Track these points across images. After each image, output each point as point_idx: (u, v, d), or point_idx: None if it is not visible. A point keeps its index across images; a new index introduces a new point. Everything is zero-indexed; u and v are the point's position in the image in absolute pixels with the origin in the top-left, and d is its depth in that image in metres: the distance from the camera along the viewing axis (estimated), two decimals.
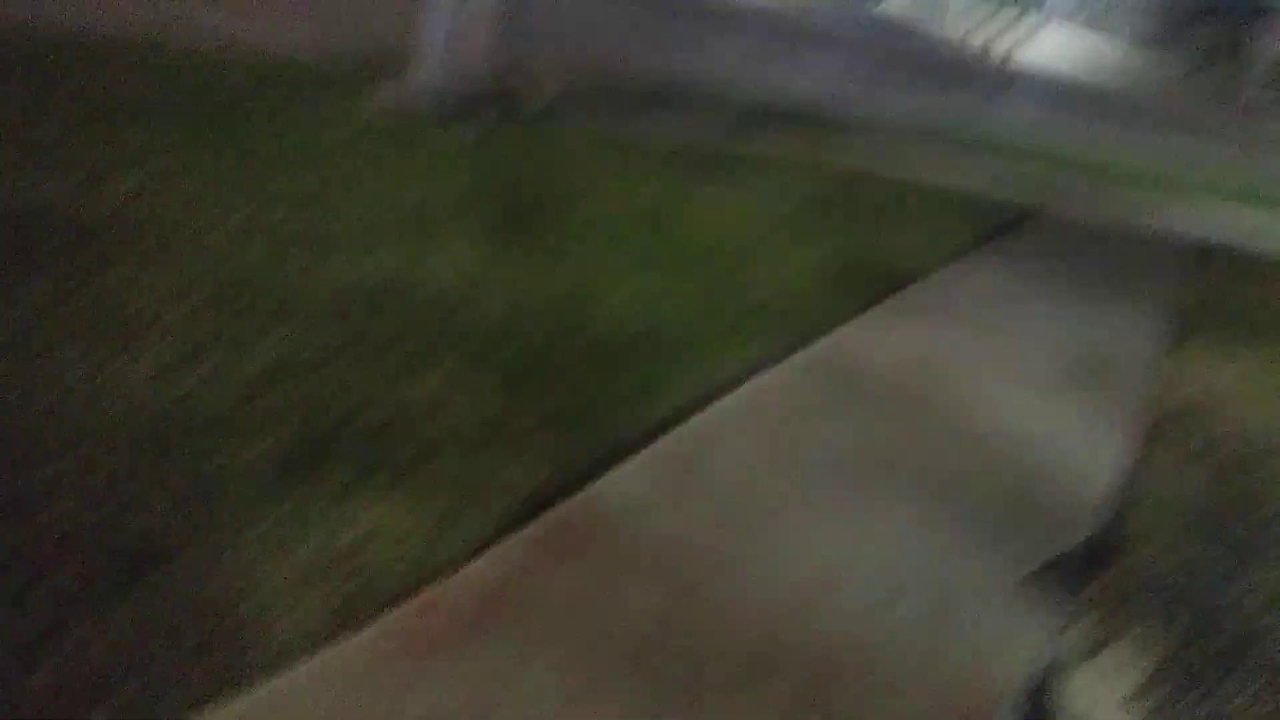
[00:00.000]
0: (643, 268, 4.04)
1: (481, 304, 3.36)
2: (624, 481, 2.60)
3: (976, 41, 20.82)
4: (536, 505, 2.43)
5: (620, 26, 11.59)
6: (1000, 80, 17.15)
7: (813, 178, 6.45)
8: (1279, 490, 3.58)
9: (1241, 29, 31.57)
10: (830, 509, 2.69)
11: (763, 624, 2.18)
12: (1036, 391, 3.84)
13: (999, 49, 20.17)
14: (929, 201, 6.58)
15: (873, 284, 4.56)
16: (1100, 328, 4.87)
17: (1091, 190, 8.83)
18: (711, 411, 3.08)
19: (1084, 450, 3.43)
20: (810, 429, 3.12)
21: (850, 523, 2.65)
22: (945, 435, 3.31)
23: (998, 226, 6.34)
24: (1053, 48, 24.68)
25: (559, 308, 3.49)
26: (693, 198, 5.22)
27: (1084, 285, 5.59)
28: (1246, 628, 2.67)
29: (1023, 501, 2.98)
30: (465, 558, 2.19)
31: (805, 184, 6.16)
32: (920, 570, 2.51)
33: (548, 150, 5.38)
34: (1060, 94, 19.60)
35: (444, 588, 2.10)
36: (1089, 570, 2.74)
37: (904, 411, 3.40)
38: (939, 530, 2.71)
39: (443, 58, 5.43)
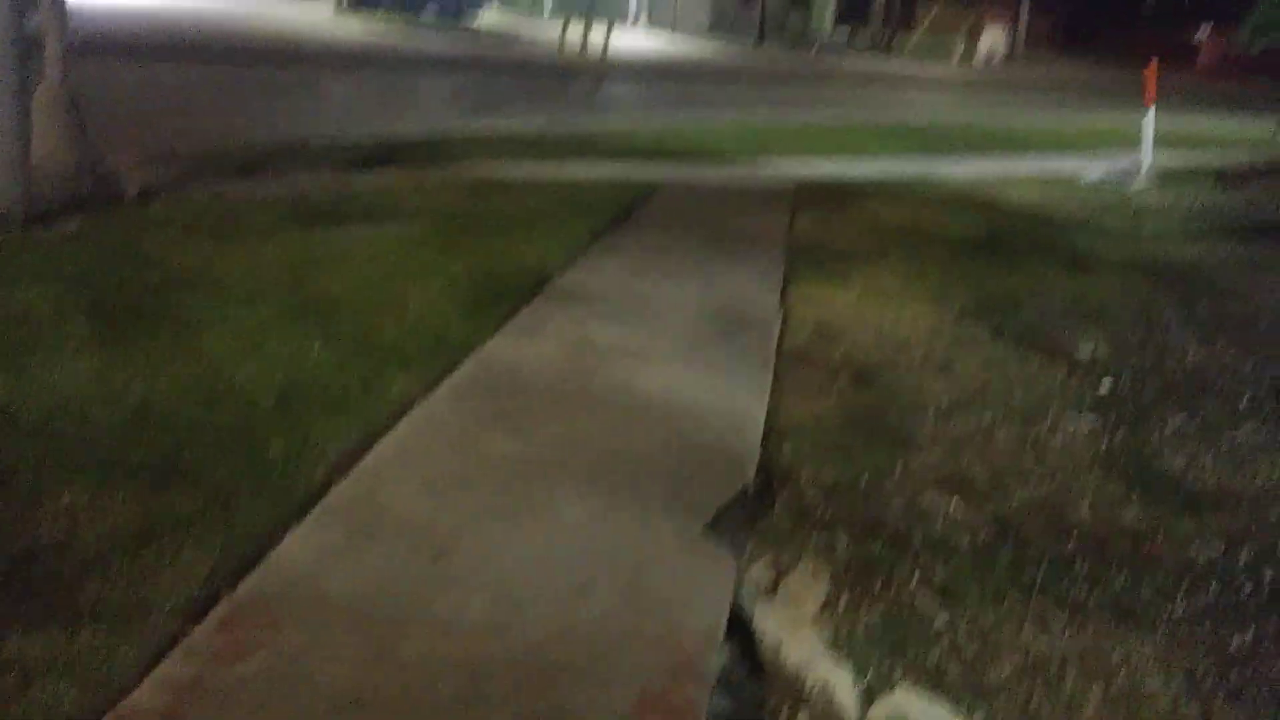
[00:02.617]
0: (274, 330, 3.90)
1: (100, 414, 3.11)
2: (298, 546, 2.52)
3: (570, 44, 21.75)
4: (214, 595, 2.31)
5: (208, 94, 11.07)
6: (599, 73, 18.02)
7: (434, 203, 6.49)
8: (904, 391, 4.04)
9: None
10: (510, 521, 2.74)
11: (467, 647, 2.20)
12: (680, 357, 4.10)
13: (591, 49, 21.22)
14: (551, 204, 6.79)
15: (509, 294, 4.65)
16: (723, 283, 5.25)
17: (695, 160, 9.47)
18: (373, 455, 3.04)
19: (731, 400, 3.71)
20: (476, 448, 3.15)
21: (534, 529, 2.72)
22: (607, 420, 3.46)
23: (618, 213, 6.66)
24: (635, 44, 26.66)
25: (189, 395, 3.30)
26: (318, 248, 5.09)
27: (703, 247, 5.99)
28: (909, 514, 3.01)
29: (688, 462, 3.19)
30: (146, 668, 2.05)
31: (427, 211, 6.18)
32: (608, 554, 2.63)
33: (157, 231, 5.04)
34: (651, 72, 21.00)
35: (132, 700, 1.95)
36: (758, 510, 2.98)
37: (564, 407, 3.52)
38: (619, 510, 2.84)
39: (13, 156, 4.92)
